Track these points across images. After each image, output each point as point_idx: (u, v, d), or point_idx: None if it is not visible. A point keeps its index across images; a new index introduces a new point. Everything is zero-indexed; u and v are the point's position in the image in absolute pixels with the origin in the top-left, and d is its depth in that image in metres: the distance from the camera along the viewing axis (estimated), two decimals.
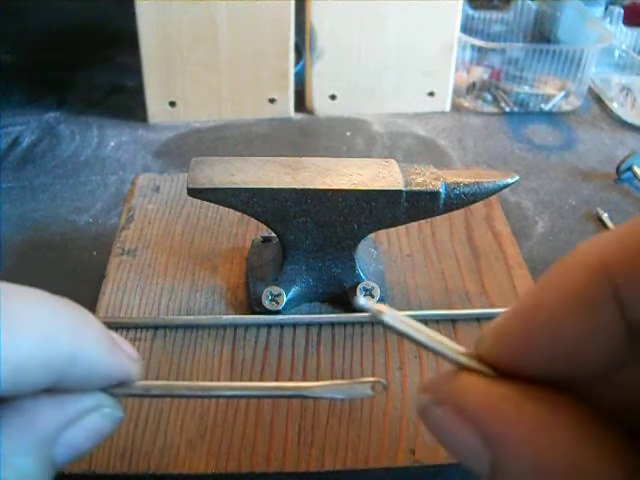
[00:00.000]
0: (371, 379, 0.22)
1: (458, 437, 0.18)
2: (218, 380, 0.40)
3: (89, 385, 0.21)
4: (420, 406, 0.19)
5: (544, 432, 0.16)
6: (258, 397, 0.27)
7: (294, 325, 0.44)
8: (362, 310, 0.18)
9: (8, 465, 0.19)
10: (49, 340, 0.19)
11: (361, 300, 0.18)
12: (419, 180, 0.42)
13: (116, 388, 0.22)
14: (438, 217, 0.46)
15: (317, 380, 0.40)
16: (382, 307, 0.18)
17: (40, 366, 0.19)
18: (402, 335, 0.18)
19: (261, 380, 0.40)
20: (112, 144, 0.75)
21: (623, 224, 0.17)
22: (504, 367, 0.18)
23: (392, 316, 0.18)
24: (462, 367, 0.19)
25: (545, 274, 0.18)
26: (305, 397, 0.23)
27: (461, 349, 0.19)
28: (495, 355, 0.18)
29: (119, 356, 0.22)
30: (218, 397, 0.25)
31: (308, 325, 0.44)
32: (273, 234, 0.45)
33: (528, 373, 0.18)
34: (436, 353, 0.19)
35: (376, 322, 0.18)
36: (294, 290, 0.45)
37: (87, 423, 0.21)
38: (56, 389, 0.20)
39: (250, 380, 0.40)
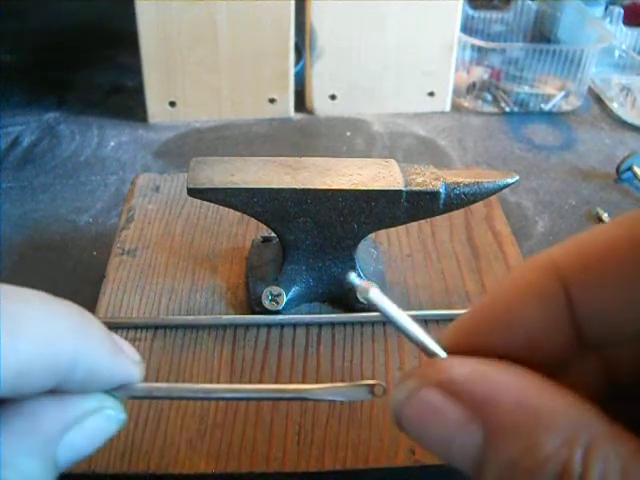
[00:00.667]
0: (371, 382, 0.22)
1: (446, 417, 0.18)
2: (218, 380, 0.40)
3: (91, 387, 0.21)
4: (400, 397, 0.19)
5: (531, 390, 0.17)
6: (259, 399, 0.27)
7: (294, 325, 0.44)
8: (351, 285, 0.19)
9: (11, 467, 0.19)
10: (51, 342, 0.19)
11: (351, 276, 0.19)
12: (419, 180, 0.42)
13: (118, 390, 0.22)
14: (438, 217, 0.46)
15: (317, 380, 0.40)
16: (369, 285, 0.19)
17: (42, 368, 0.19)
18: (382, 313, 0.19)
19: (261, 380, 0.40)
20: (112, 144, 0.75)
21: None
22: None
23: (376, 294, 0.19)
24: (434, 355, 0.20)
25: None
26: (305, 399, 0.23)
27: (433, 338, 0.20)
28: (456, 346, 0.20)
29: (121, 358, 0.22)
30: (219, 399, 0.26)
31: (308, 325, 0.44)
32: (273, 234, 0.45)
33: None
34: (409, 338, 0.20)
35: (362, 298, 0.19)
36: (294, 290, 0.45)
37: (89, 425, 0.21)
38: (58, 391, 0.20)
39: (250, 380, 0.40)
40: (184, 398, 0.25)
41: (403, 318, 0.20)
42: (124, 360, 0.22)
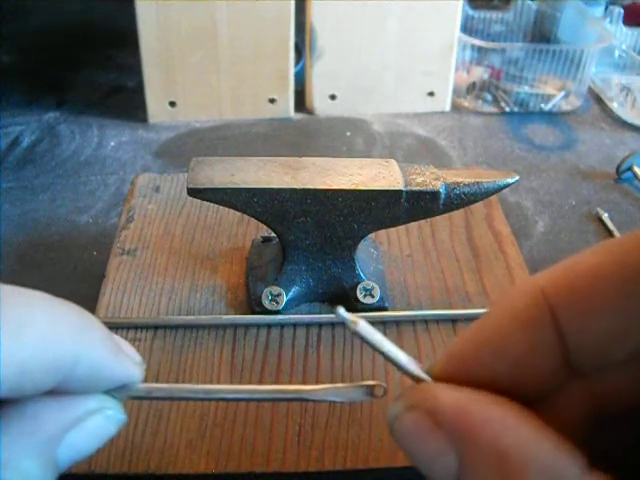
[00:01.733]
0: (371, 382, 0.22)
1: (427, 441, 0.19)
2: (218, 380, 0.40)
3: (92, 387, 0.21)
4: (392, 413, 0.20)
5: (509, 430, 0.17)
6: (260, 400, 0.28)
7: (294, 325, 0.44)
8: (340, 319, 0.20)
9: (12, 467, 0.19)
10: (53, 342, 0.19)
11: (340, 310, 0.20)
12: (419, 180, 0.42)
13: (118, 391, 0.22)
14: (438, 217, 0.46)
15: (317, 380, 0.40)
16: (356, 319, 0.20)
17: (44, 368, 0.19)
18: (371, 345, 0.20)
19: (261, 380, 0.40)
20: (112, 144, 0.75)
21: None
22: (457, 385, 0.20)
23: (364, 327, 0.20)
24: (419, 380, 0.20)
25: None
26: (306, 400, 0.23)
27: (420, 365, 0.21)
28: (448, 373, 0.20)
29: (121, 358, 0.22)
30: (220, 400, 0.26)
31: (308, 325, 0.44)
32: (273, 234, 0.45)
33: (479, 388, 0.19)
34: (396, 365, 0.21)
35: (351, 331, 0.20)
36: (294, 290, 0.45)
37: (90, 425, 0.21)
38: (59, 391, 0.20)
39: (250, 380, 0.40)
40: (185, 399, 0.25)
41: (391, 348, 0.21)
42: (125, 360, 0.22)
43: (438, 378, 0.20)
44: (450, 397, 0.19)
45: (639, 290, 0.18)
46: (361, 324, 0.20)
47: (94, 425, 0.22)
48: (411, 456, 0.20)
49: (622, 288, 0.18)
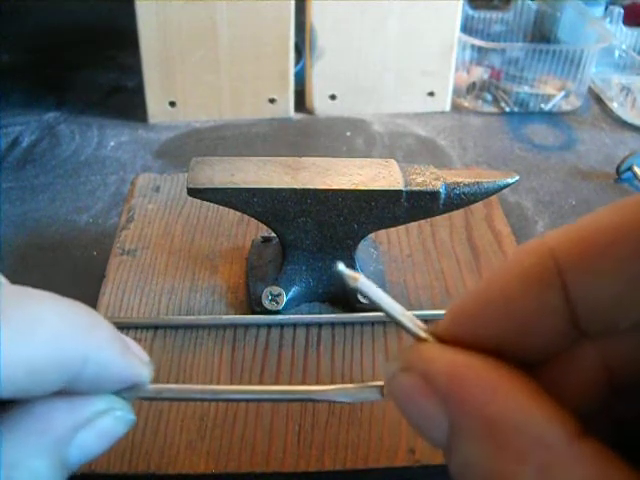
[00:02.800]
0: (380, 383, 0.22)
1: (420, 403, 0.18)
2: (218, 380, 0.40)
3: (101, 388, 0.21)
4: (387, 373, 0.20)
5: (500, 396, 0.17)
6: (267, 401, 0.27)
7: (294, 325, 0.44)
8: (340, 275, 0.19)
9: (22, 467, 0.19)
10: (62, 342, 0.19)
11: (339, 265, 0.19)
12: (419, 180, 0.42)
13: (127, 391, 0.22)
14: (438, 217, 0.46)
15: (317, 380, 0.40)
16: (357, 275, 0.19)
17: (53, 368, 0.19)
18: (371, 300, 0.20)
19: (261, 380, 0.40)
20: (112, 144, 0.75)
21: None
22: (461, 344, 0.19)
23: (364, 283, 0.20)
24: (420, 338, 0.20)
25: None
26: (314, 401, 0.23)
27: (422, 324, 0.20)
28: (452, 332, 0.20)
29: (130, 358, 0.22)
30: (228, 401, 0.26)
31: (308, 325, 0.44)
32: (273, 234, 0.45)
33: (482, 348, 0.19)
34: (398, 324, 0.20)
35: (351, 286, 0.20)
36: (294, 290, 0.45)
37: (99, 425, 0.21)
38: (68, 391, 0.20)
39: (250, 380, 0.40)
40: (193, 399, 0.25)
41: (391, 304, 0.20)
42: (133, 360, 0.22)
43: (440, 337, 0.20)
44: (445, 360, 0.19)
45: None
46: (361, 280, 0.20)
47: (103, 426, 0.22)
48: (405, 416, 0.19)
49: (634, 249, 0.17)
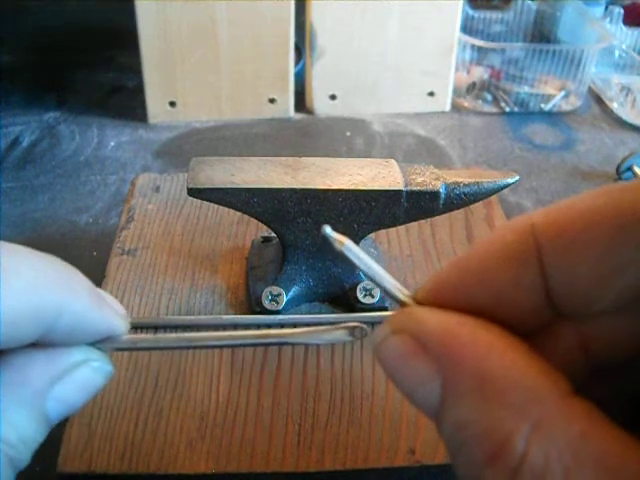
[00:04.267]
0: (351, 324, 0.23)
1: (412, 364, 0.18)
2: (219, 381, 0.40)
3: (77, 339, 0.21)
4: (378, 337, 0.20)
5: (494, 353, 0.17)
6: (243, 346, 0.27)
7: (294, 325, 0.44)
8: (326, 237, 0.20)
9: (1, 419, 0.19)
10: (37, 292, 0.19)
11: (326, 229, 0.20)
12: (419, 180, 0.42)
13: (103, 343, 0.22)
14: (438, 217, 0.46)
15: (318, 380, 0.40)
16: (343, 238, 0.20)
17: (29, 318, 0.19)
18: (356, 265, 0.20)
19: (261, 380, 0.40)
20: (112, 144, 0.75)
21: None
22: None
23: (350, 247, 0.20)
24: (403, 304, 0.21)
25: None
26: (288, 344, 0.23)
27: (405, 290, 0.21)
28: (432, 299, 0.20)
29: (106, 310, 0.22)
30: (204, 347, 0.26)
31: (308, 325, 0.44)
32: (273, 234, 0.45)
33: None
34: (381, 288, 0.21)
35: (337, 249, 0.20)
36: (294, 290, 0.45)
37: (77, 377, 0.21)
38: (44, 343, 0.20)
39: (250, 381, 0.40)
40: (168, 348, 0.25)
41: (376, 269, 0.21)
42: (109, 312, 0.22)
43: (421, 303, 0.20)
44: (437, 320, 0.19)
45: (631, 239, 0.17)
46: (347, 244, 0.20)
47: (81, 377, 0.22)
48: (395, 381, 0.19)
49: (615, 235, 0.17)
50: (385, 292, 0.21)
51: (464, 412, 0.17)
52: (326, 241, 0.20)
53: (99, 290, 0.22)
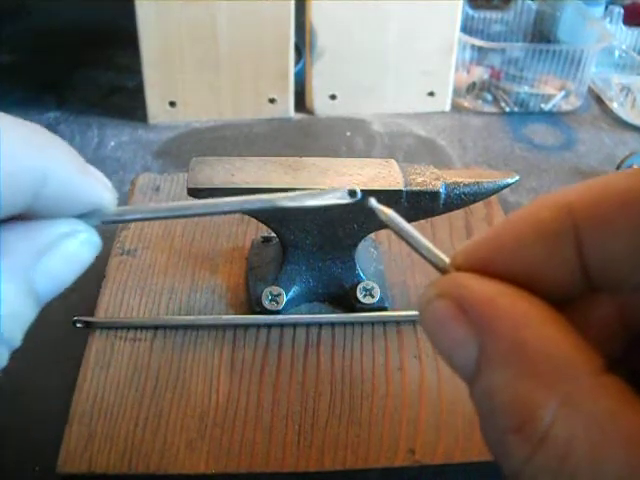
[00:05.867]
0: (348, 187, 0.23)
1: (452, 327, 0.19)
2: (218, 381, 0.40)
3: (63, 209, 0.21)
4: (423, 299, 0.20)
5: (531, 323, 0.18)
6: (230, 212, 0.26)
7: (294, 325, 0.44)
8: (371, 208, 0.22)
9: None
10: (20, 158, 0.19)
11: (372, 200, 0.21)
12: (419, 180, 0.42)
13: (90, 216, 0.22)
14: (438, 217, 0.46)
15: (318, 380, 0.40)
16: (387, 210, 0.22)
17: (13, 186, 0.18)
18: (398, 235, 0.22)
19: (261, 380, 0.40)
20: (112, 144, 0.75)
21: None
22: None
23: (394, 217, 0.22)
24: (444, 271, 0.21)
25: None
26: (281, 207, 0.23)
27: (445, 257, 0.21)
28: (468, 267, 0.20)
29: (91, 179, 0.21)
30: (194, 215, 0.25)
31: (308, 325, 0.44)
32: (273, 234, 0.45)
33: None
34: (423, 256, 0.22)
35: (383, 219, 0.22)
36: (294, 290, 0.45)
37: (64, 249, 0.21)
38: (29, 215, 0.20)
39: (250, 380, 0.40)
40: (157, 218, 0.24)
41: (418, 237, 0.22)
42: (94, 182, 0.21)
43: (459, 270, 0.21)
44: (480, 287, 0.19)
45: None
46: (391, 214, 0.22)
47: (68, 249, 0.21)
48: (434, 343, 0.20)
49: None
50: (426, 259, 0.22)
51: (496, 379, 0.18)
52: (372, 211, 0.21)
53: (84, 161, 0.22)
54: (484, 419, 0.18)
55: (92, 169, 0.22)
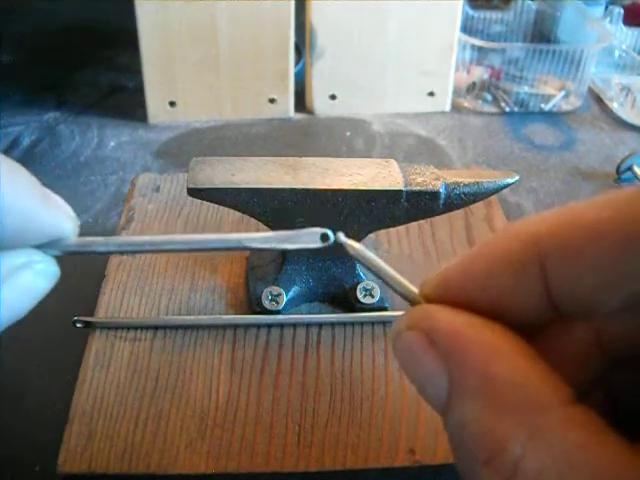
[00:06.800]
0: (318, 229, 0.22)
1: (422, 359, 0.19)
2: (218, 381, 0.40)
3: (22, 240, 0.20)
4: (394, 331, 0.21)
5: (499, 356, 0.18)
6: (199, 250, 0.26)
7: (294, 325, 0.44)
8: (339, 242, 0.22)
9: None
10: None
11: (340, 234, 0.22)
12: (419, 180, 0.42)
13: (51, 246, 0.21)
14: (438, 217, 0.46)
15: (318, 380, 0.40)
16: (354, 243, 0.22)
17: None
18: (366, 267, 0.22)
19: (261, 379, 0.40)
20: (112, 144, 0.75)
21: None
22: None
23: (361, 250, 0.22)
24: (414, 302, 0.21)
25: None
26: (247, 249, 0.23)
27: (415, 289, 0.22)
28: (436, 297, 0.21)
29: (52, 209, 0.21)
30: (159, 252, 0.24)
31: (308, 325, 0.44)
32: None
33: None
34: (392, 288, 0.22)
35: (350, 253, 0.22)
36: (294, 290, 0.45)
37: (20, 281, 0.20)
38: None
39: (250, 380, 0.40)
40: (119, 252, 0.24)
41: (387, 270, 0.22)
42: (55, 211, 0.21)
43: (429, 300, 0.21)
44: (448, 319, 0.19)
45: (637, 251, 0.17)
46: (360, 248, 0.22)
47: (23, 281, 0.20)
48: (407, 374, 0.20)
49: (620, 248, 0.18)
50: (396, 291, 0.22)
51: (466, 411, 0.18)
52: (340, 247, 0.21)
53: (46, 189, 0.21)
54: (456, 450, 0.18)
55: (53, 196, 0.22)
